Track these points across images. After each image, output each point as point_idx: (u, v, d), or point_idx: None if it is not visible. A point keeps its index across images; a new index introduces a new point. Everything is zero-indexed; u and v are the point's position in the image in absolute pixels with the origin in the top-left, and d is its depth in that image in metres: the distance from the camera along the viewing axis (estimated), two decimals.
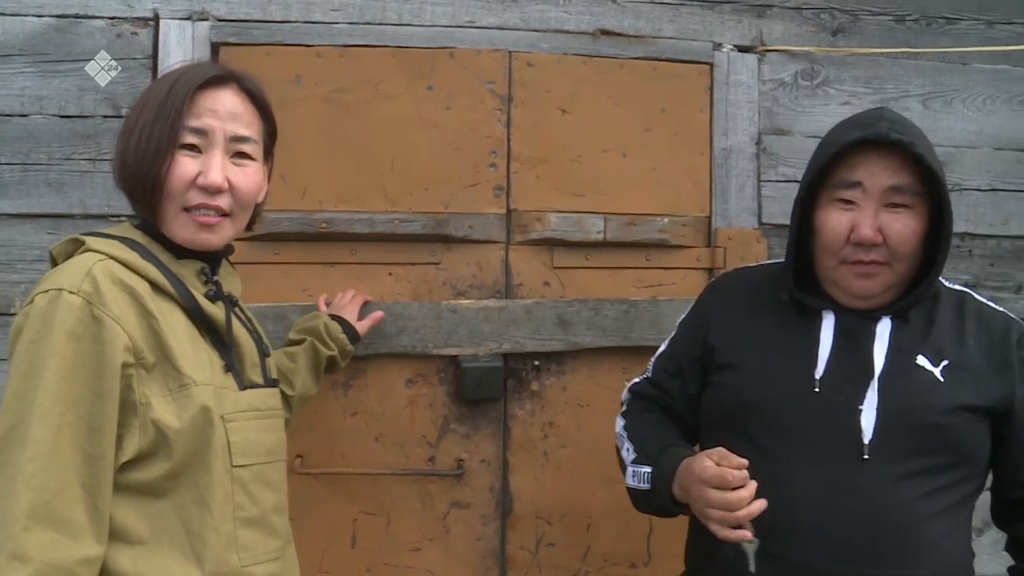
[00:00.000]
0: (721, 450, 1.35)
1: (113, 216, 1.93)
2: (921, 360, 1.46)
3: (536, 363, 2.13)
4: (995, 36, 2.34)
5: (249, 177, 1.35)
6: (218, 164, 1.30)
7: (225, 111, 1.31)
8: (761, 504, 1.30)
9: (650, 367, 1.74)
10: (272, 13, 2.04)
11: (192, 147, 1.29)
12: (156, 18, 2.00)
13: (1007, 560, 2.42)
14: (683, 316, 1.74)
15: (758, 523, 1.33)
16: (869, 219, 1.42)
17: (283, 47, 2.03)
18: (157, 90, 1.30)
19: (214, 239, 1.34)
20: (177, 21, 2.00)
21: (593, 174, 2.14)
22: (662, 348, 1.74)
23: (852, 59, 2.28)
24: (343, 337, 1.85)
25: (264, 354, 1.45)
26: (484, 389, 2.05)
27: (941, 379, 1.44)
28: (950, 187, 2.26)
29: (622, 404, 1.76)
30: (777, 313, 1.55)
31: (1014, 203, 2.36)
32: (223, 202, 1.32)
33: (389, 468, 2.08)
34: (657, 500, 1.51)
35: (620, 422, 1.71)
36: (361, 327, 1.92)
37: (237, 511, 1.28)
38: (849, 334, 1.48)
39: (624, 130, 2.15)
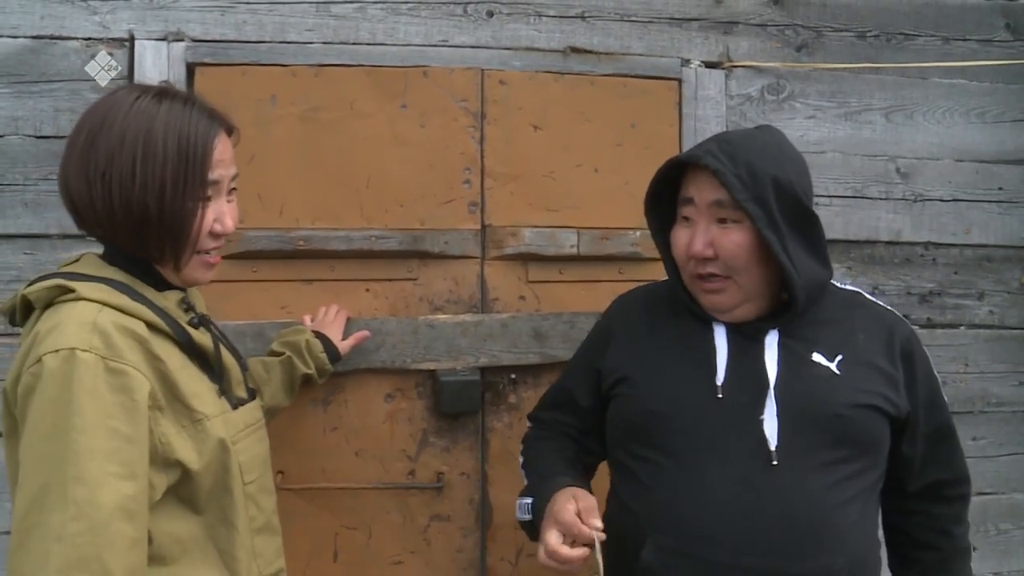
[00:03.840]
0: (590, 502, 1.43)
1: (91, 237, 1.94)
2: (816, 357, 1.51)
3: (513, 376, 2.16)
4: (952, 52, 2.41)
5: (236, 211, 1.42)
6: (230, 210, 1.38)
7: (228, 159, 1.37)
8: (586, 555, 1.37)
9: (546, 394, 1.83)
10: (247, 33, 2.06)
11: (208, 198, 1.34)
12: (131, 39, 2.01)
13: (975, 562, 2.47)
14: (582, 343, 1.81)
15: (676, 526, 1.40)
16: (700, 234, 1.49)
17: (258, 67, 2.05)
18: (152, 137, 1.27)
19: (211, 275, 1.42)
20: (152, 42, 2.01)
21: (566, 189, 2.18)
22: (559, 378, 1.82)
23: (816, 74, 2.34)
24: (323, 356, 1.87)
25: (244, 368, 1.51)
26: (462, 403, 2.07)
27: (838, 372, 1.50)
28: (914, 197, 2.37)
29: (523, 436, 1.83)
30: (674, 324, 1.60)
31: (975, 213, 2.43)
32: (223, 243, 1.40)
33: (369, 482, 2.09)
34: (537, 531, 1.52)
35: (521, 458, 1.78)
36: (344, 347, 1.94)
37: (251, 523, 1.37)
38: (741, 344, 1.52)
39: (595, 146, 2.19)
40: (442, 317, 2.09)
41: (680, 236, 1.53)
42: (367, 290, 2.11)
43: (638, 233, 2.18)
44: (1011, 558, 2.47)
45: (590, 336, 1.80)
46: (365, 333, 2.01)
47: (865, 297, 1.65)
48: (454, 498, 2.13)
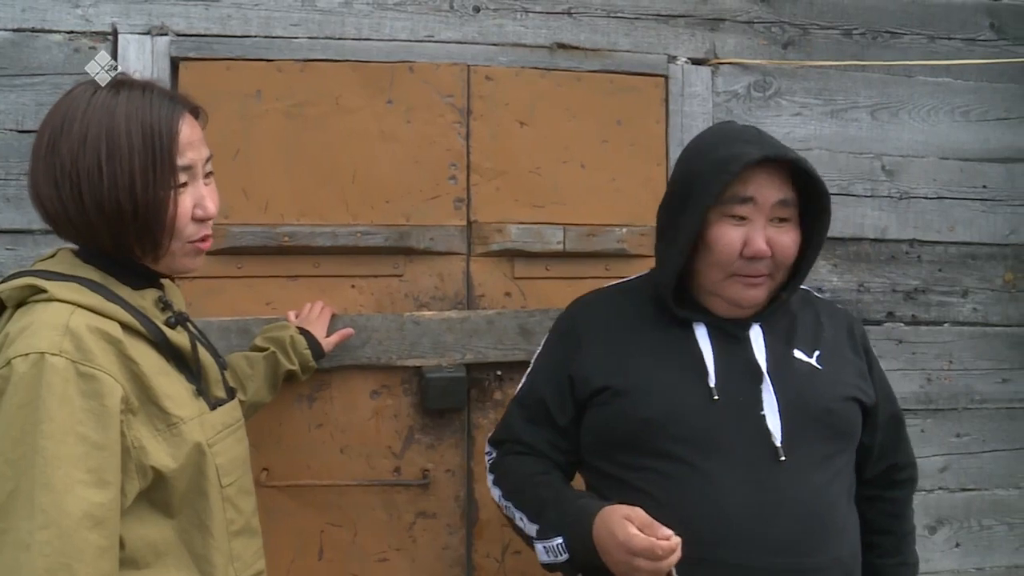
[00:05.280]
0: (641, 515, 1.34)
1: (69, 241, 1.92)
2: (798, 354, 1.53)
3: (499, 373, 2.15)
4: (937, 50, 2.42)
5: (216, 194, 1.38)
6: (210, 193, 1.34)
7: (197, 140, 1.33)
8: (679, 554, 1.31)
9: (509, 414, 1.71)
10: (232, 28, 2.05)
11: (184, 184, 1.30)
12: (115, 33, 1.99)
13: (958, 557, 2.51)
14: (538, 352, 1.72)
15: (690, 533, 1.35)
16: (761, 233, 1.47)
17: (243, 62, 2.04)
18: (115, 131, 1.24)
19: (200, 262, 1.38)
20: (136, 36, 2.00)
21: (552, 185, 2.17)
22: (520, 390, 1.71)
23: (803, 71, 2.35)
24: (307, 353, 1.86)
25: (222, 367, 1.47)
26: (448, 399, 2.06)
27: (819, 367, 1.52)
28: (899, 195, 2.38)
29: (487, 462, 1.72)
30: (650, 328, 1.57)
31: (960, 210, 2.44)
32: (210, 227, 1.36)
33: (355, 479, 2.09)
34: (582, 561, 1.44)
35: (496, 491, 1.65)
36: (328, 343, 1.94)
37: (229, 526, 1.34)
38: (726, 342, 1.52)
39: (582, 142, 2.19)
40: (428, 313, 2.09)
41: (732, 235, 1.48)
42: (352, 286, 2.10)
43: (624, 230, 2.18)
44: (994, 553, 2.48)
45: (551, 342, 1.70)
46: (349, 331, 2.00)
47: (814, 294, 1.70)
48: (440, 495, 2.13)
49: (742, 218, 1.48)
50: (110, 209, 1.23)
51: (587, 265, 2.20)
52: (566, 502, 1.49)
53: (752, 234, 1.47)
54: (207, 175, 1.36)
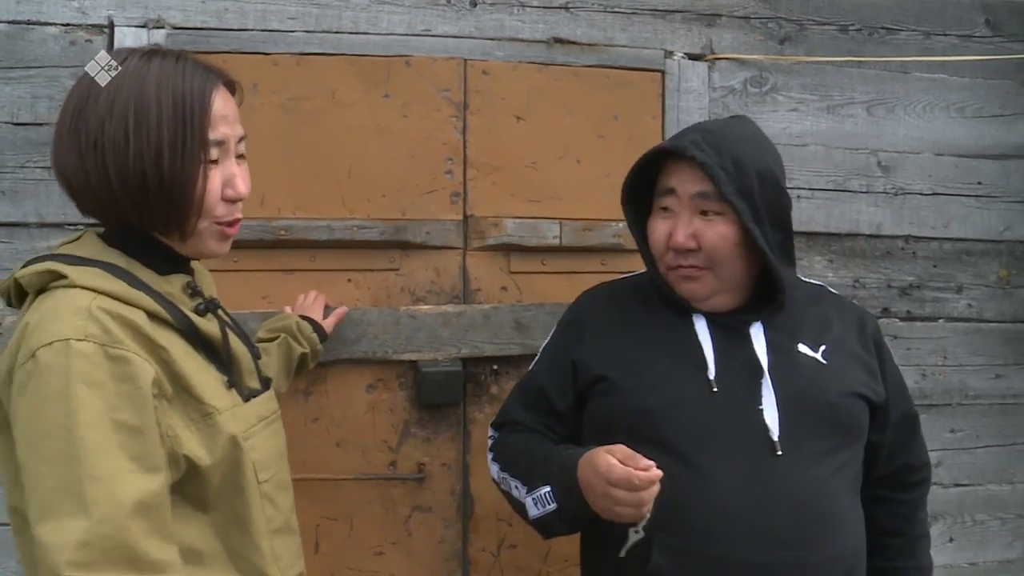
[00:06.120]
0: (623, 448, 1.33)
1: (70, 224, 1.92)
2: (802, 348, 1.52)
3: (495, 367, 2.15)
4: (932, 47, 2.43)
5: (248, 175, 1.29)
6: (241, 173, 1.26)
7: (232, 114, 1.24)
8: (658, 487, 1.29)
9: (511, 399, 1.72)
10: (228, 21, 2.04)
11: (214, 160, 1.22)
12: (111, 25, 1.99)
13: (952, 552, 2.52)
14: (546, 341, 1.74)
15: (685, 525, 1.35)
16: (683, 226, 1.47)
17: (240, 55, 2.03)
18: (144, 99, 1.16)
19: (227, 247, 1.30)
20: (132, 29, 1.99)
21: (548, 180, 2.17)
22: (524, 376, 1.73)
23: (799, 67, 2.35)
24: (314, 336, 1.85)
25: (256, 356, 1.39)
26: (444, 393, 2.07)
27: (824, 361, 1.52)
28: (894, 191, 2.39)
29: (489, 443, 1.73)
30: (652, 319, 1.57)
31: (954, 207, 2.45)
32: (240, 209, 1.28)
33: (351, 473, 2.09)
34: (571, 511, 1.45)
35: (494, 467, 1.67)
36: (328, 324, 1.93)
37: (269, 524, 1.26)
38: (725, 336, 1.52)
39: (578, 137, 2.19)
40: (424, 308, 2.09)
41: (659, 227, 1.52)
42: (348, 280, 2.10)
43: (620, 224, 2.18)
44: (987, 548, 2.50)
45: (557, 333, 1.72)
46: (344, 309, 2.00)
47: (828, 290, 1.69)
48: (436, 489, 2.13)
49: (669, 210, 1.50)
50: (135, 181, 1.15)
51: (583, 260, 2.20)
52: (555, 453, 1.50)
53: (674, 226, 1.48)
54: (239, 156, 1.27)
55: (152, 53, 1.21)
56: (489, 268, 2.16)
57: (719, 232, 1.47)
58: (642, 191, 1.59)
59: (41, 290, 1.15)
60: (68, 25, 1.99)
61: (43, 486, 1.04)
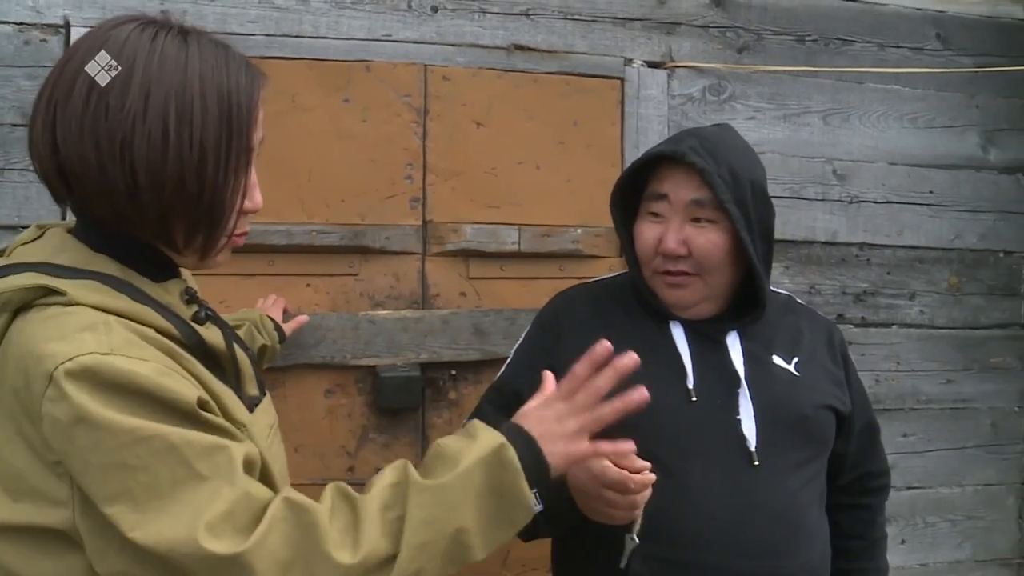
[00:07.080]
0: (616, 447, 1.25)
1: (23, 227, 1.89)
2: (776, 359, 1.53)
3: (453, 372, 2.16)
4: (886, 58, 2.48)
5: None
6: (256, 183, 1.12)
7: (262, 119, 1.10)
8: (650, 492, 1.27)
9: (483, 402, 1.66)
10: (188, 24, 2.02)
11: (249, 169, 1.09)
12: (67, 25, 1.97)
13: (904, 553, 2.56)
14: (519, 342, 1.69)
15: (663, 534, 1.35)
16: (674, 232, 1.46)
17: None
18: (187, 94, 0.99)
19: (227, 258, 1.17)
20: (89, 29, 1.96)
21: (508, 186, 2.18)
22: (497, 378, 1.68)
23: (757, 76, 2.38)
24: (275, 334, 1.84)
25: (253, 360, 1.24)
26: (402, 399, 2.07)
27: (797, 374, 1.53)
28: (849, 199, 2.42)
29: None
30: (629, 324, 1.55)
31: (908, 215, 2.50)
32: (249, 222, 1.16)
33: (309, 478, 2.08)
34: (558, 513, 1.34)
35: None
36: (287, 328, 1.92)
37: None
38: (703, 344, 1.52)
39: (538, 143, 2.20)
40: (383, 313, 2.09)
41: (648, 231, 1.50)
42: (307, 285, 2.09)
43: (579, 231, 2.20)
44: (938, 550, 2.55)
45: (532, 335, 1.68)
46: (304, 317, 1.99)
47: (796, 300, 1.70)
48: None
49: (659, 215, 1.49)
50: (171, 189, 0.98)
51: (542, 265, 2.21)
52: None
53: (665, 232, 1.47)
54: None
55: (187, 34, 1.05)
56: (448, 273, 2.17)
57: (710, 239, 1.46)
58: (628, 193, 1.58)
59: (23, 308, 0.97)
60: (23, 24, 1.96)
61: (145, 478, 0.90)
